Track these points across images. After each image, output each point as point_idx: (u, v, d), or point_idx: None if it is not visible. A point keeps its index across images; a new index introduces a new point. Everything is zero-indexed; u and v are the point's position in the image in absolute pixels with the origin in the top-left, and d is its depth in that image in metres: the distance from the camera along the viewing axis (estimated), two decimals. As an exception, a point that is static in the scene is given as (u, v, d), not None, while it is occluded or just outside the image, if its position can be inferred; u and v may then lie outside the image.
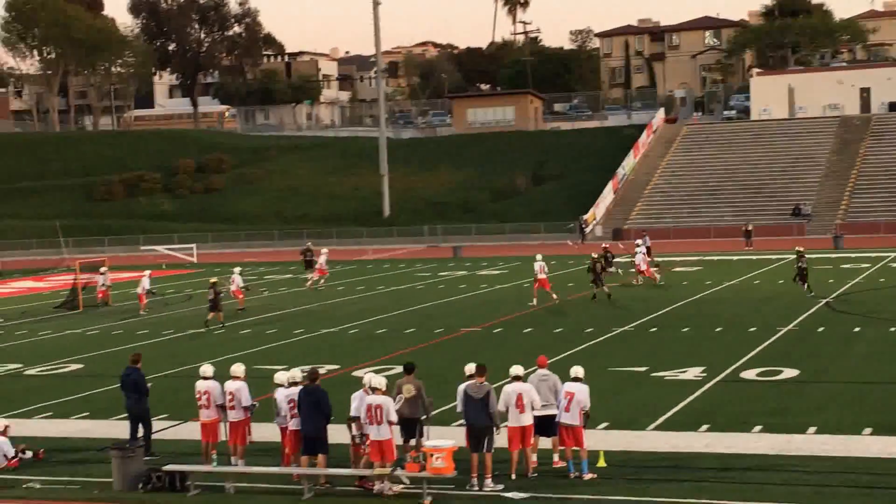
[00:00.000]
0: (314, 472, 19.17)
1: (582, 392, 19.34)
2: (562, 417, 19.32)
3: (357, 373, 27.99)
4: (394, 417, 18.76)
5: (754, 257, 64.34)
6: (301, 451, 19.43)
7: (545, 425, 19.71)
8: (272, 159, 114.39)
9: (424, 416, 19.97)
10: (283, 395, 19.83)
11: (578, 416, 19.21)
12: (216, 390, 20.56)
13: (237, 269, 48.86)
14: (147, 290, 48.64)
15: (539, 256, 46.57)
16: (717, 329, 36.10)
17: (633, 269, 51.64)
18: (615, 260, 54.67)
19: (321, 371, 21.37)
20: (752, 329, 35.59)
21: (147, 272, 50.57)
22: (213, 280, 43.96)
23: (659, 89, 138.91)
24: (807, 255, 46.11)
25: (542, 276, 45.31)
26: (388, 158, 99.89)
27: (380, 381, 19.06)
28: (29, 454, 21.91)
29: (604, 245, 54.91)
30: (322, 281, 56.27)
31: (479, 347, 33.81)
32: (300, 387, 19.57)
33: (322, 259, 56.89)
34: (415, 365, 20.36)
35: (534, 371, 20.30)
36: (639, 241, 55.00)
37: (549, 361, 20.81)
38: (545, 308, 43.55)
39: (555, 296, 45.15)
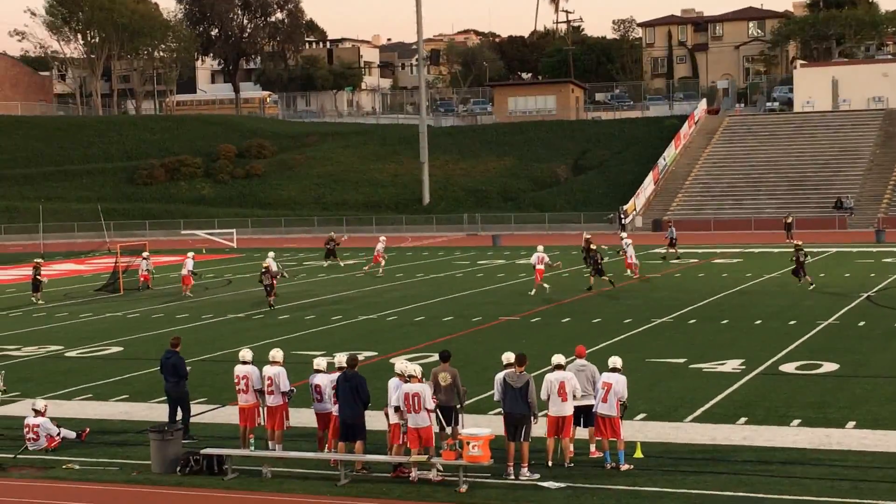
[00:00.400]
0: (351, 457, 19.21)
1: (619, 383, 19.28)
2: (599, 408, 19.26)
3: (395, 359, 28.03)
4: (430, 405, 18.79)
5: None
6: (340, 436, 19.49)
7: (582, 415, 19.70)
8: (313, 146, 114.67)
9: (459, 405, 19.99)
10: (328, 381, 19.90)
11: (616, 406, 19.16)
12: (255, 375, 20.64)
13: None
14: (191, 271, 49.06)
15: (540, 247, 47.08)
16: (757, 321, 35.89)
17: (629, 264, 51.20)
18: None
19: (359, 358, 21.40)
20: (791, 322, 35.38)
21: (190, 254, 50.99)
22: (265, 264, 44.39)
23: (701, 80, 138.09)
24: (806, 250, 46.45)
25: (540, 266, 45.82)
26: (429, 146, 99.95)
27: (414, 368, 19.10)
28: (72, 434, 22.04)
29: (586, 236, 53.91)
30: (367, 266, 56.27)
31: (518, 336, 33.78)
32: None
33: (380, 246, 56.84)
34: (450, 353, 20.36)
35: (572, 360, 20.27)
36: (623, 234, 54.62)
37: (587, 351, 20.75)
38: (589, 296, 43.49)
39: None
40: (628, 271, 50.53)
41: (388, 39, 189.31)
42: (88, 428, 22.54)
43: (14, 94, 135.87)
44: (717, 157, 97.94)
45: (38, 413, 21.82)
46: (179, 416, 21.98)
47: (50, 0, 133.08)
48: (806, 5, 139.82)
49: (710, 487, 17.68)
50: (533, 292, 45.06)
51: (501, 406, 19.25)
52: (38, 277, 48.57)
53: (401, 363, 19.57)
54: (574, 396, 19.25)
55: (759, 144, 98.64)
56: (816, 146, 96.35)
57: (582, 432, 19.90)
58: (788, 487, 17.57)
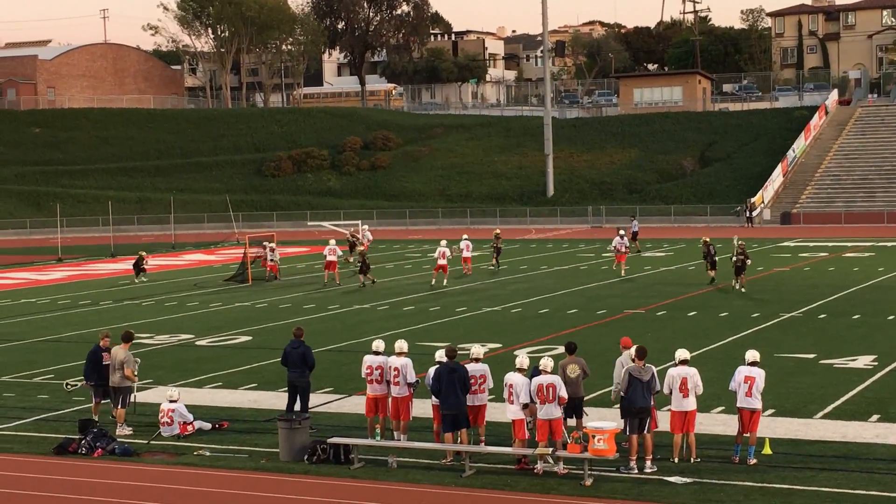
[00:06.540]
0: (477, 449, 19.28)
1: (761, 377, 19.13)
2: (742, 402, 19.06)
3: (518, 351, 28.00)
4: (564, 394, 18.79)
5: (930, 244, 62.30)
6: (443, 427, 19.69)
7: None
8: (437, 137, 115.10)
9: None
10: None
11: (760, 399, 18.99)
12: (386, 365, 20.84)
13: (443, 243, 49.59)
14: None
15: (444, 242, 48.93)
16: (890, 317, 35.09)
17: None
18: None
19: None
20: (926, 318, 34.55)
21: (332, 241, 51.67)
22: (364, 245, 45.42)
23: (833, 70, 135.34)
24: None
25: (442, 261, 47.68)
26: (553, 138, 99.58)
27: (547, 362, 19.17)
28: (207, 426, 22.40)
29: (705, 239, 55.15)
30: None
31: (643, 329, 33.50)
32: (475, 363, 19.98)
33: (625, 240, 52.02)
34: (576, 345, 20.30)
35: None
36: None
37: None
38: (714, 290, 42.96)
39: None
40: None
41: (513, 31, 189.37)
42: (227, 422, 22.88)
43: (147, 88, 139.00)
44: (849, 148, 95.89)
45: (172, 401, 22.27)
46: (298, 405, 22.27)
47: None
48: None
49: (841, 485, 17.37)
50: (434, 282, 47.72)
51: (626, 400, 19.07)
52: (141, 266, 54.67)
53: (522, 358, 19.59)
54: (696, 393, 19.07)
55: (893, 136, 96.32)
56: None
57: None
58: (923, 487, 17.16)
